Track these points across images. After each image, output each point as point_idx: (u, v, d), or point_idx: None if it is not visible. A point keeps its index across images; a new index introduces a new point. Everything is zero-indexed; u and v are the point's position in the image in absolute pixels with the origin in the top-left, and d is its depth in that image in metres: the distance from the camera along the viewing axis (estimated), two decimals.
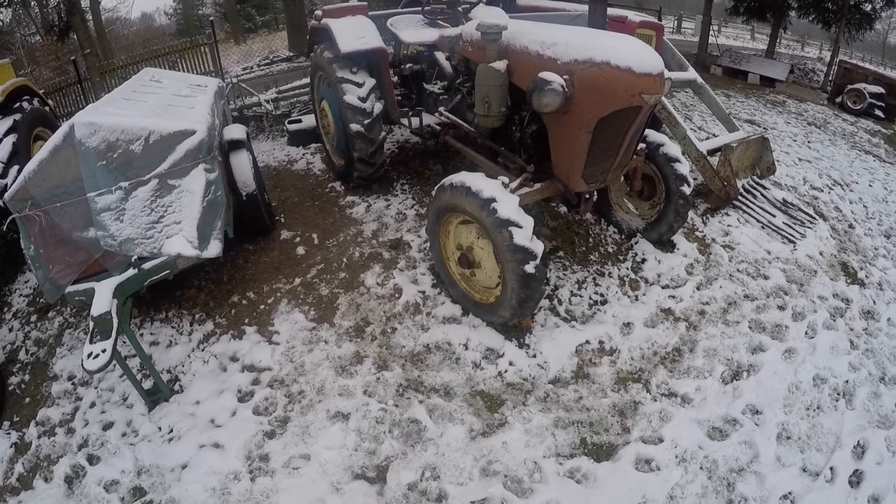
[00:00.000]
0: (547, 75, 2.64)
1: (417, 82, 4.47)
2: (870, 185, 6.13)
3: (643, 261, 3.79)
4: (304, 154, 5.62)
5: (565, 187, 3.11)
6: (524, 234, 2.62)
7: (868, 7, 13.08)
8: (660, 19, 8.55)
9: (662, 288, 3.57)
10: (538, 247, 2.67)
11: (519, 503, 2.29)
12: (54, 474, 2.63)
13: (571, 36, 2.79)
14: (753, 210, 4.59)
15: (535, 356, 3.01)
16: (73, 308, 3.67)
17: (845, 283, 3.94)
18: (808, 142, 7.41)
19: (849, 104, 10.62)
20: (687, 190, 3.52)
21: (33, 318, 3.75)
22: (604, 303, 3.44)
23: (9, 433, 2.94)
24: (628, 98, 2.64)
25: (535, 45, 2.88)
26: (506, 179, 2.87)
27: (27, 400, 3.15)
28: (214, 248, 3.02)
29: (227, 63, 12.99)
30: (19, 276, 4.20)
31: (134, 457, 2.62)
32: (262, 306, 3.48)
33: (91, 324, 2.53)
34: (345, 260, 3.82)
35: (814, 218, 4.70)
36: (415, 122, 4.37)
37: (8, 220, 2.84)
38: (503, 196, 2.70)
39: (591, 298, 3.46)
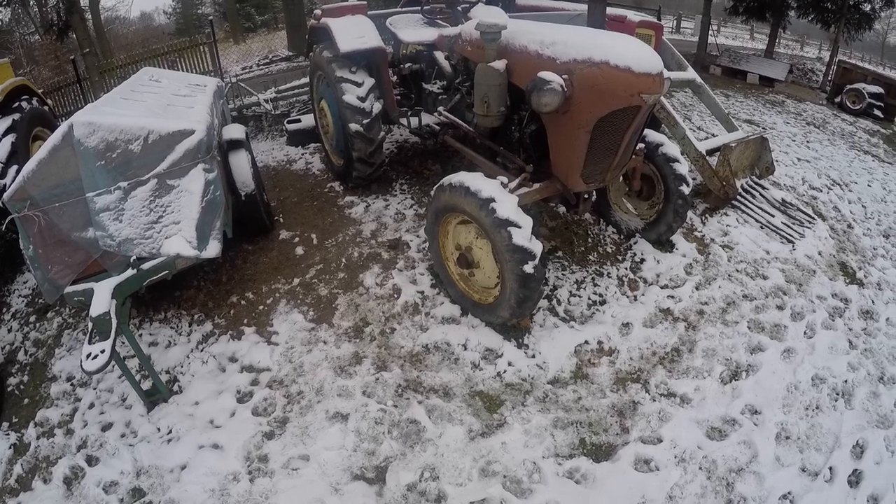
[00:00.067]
0: (546, 75, 2.64)
1: (416, 82, 4.46)
2: (868, 185, 6.13)
3: (642, 261, 3.79)
4: (303, 154, 5.62)
5: (564, 187, 3.11)
6: (523, 234, 2.62)
7: (867, 7, 13.08)
8: (659, 19, 8.55)
9: (661, 288, 3.57)
10: (537, 247, 2.67)
11: (518, 503, 2.29)
12: (53, 475, 2.62)
13: (570, 35, 2.79)
14: (752, 210, 4.59)
15: (533, 356, 3.00)
16: (72, 308, 3.67)
17: (844, 283, 3.94)
18: (807, 142, 7.41)
19: (848, 104, 10.61)
20: (686, 190, 3.52)
21: (32, 318, 3.75)
22: (603, 303, 3.44)
23: (7, 434, 2.94)
24: (627, 98, 2.64)
25: (534, 44, 2.87)
26: (505, 179, 2.87)
27: (26, 401, 3.14)
28: (213, 249, 3.02)
29: (226, 63, 12.98)
30: (18, 277, 4.19)
31: (133, 458, 2.61)
32: (260, 307, 3.47)
33: (90, 324, 2.53)
34: (344, 260, 3.82)
35: (812, 218, 4.70)
36: (414, 121, 4.36)
37: (7, 220, 2.83)
38: (502, 196, 2.70)
39: (589, 298, 3.45)
